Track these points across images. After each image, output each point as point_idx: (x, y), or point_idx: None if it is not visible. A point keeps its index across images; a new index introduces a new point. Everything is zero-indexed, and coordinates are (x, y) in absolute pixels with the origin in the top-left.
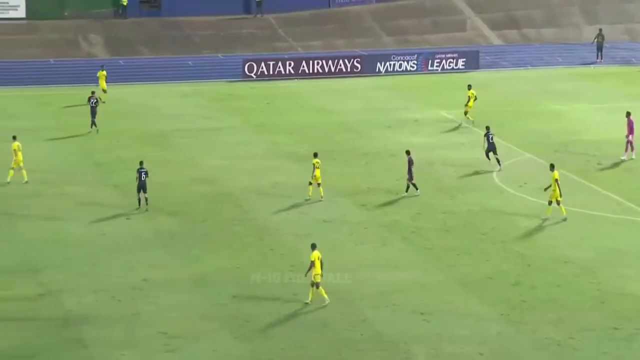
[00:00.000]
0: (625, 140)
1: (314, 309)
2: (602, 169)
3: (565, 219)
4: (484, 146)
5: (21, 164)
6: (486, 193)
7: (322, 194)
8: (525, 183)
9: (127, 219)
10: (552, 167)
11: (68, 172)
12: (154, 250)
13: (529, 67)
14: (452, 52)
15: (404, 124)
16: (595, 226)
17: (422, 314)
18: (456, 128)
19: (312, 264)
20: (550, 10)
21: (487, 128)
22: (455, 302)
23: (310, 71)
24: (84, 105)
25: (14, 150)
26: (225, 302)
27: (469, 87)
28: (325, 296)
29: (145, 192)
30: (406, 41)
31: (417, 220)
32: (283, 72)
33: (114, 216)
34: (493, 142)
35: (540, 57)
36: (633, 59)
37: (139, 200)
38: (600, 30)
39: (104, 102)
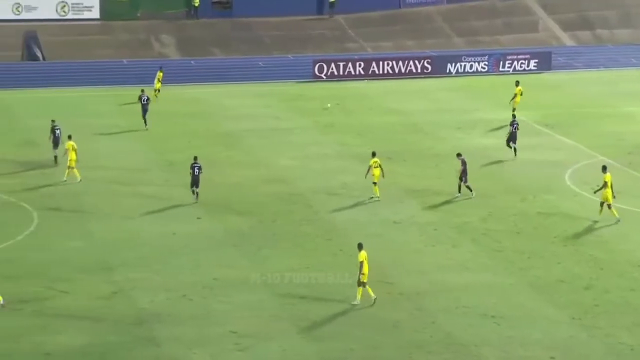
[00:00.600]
0: None
1: (385, 310)
2: None
3: (618, 221)
4: (507, 135)
5: (73, 164)
6: (558, 195)
7: (377, 194)
8: (598, 185)
9: (198, 218)
10: (604, 169)
11: (141, 171)
12: (225, 249)
13: (602, 69)
14: (524, 53)
15: (474, 125)
16: None
17: (492, 316)
18: (527, 129)
19: (362, 264)
20: (624, 10)
21: (514, 117)
22: (527, 305)
23: (380, 72)
24: (157, 103)
25: (68, 149)
26: (295, 302)
27: (517, 83)
28: (373, 294)
29: (197, 187)
30: (477, 42)
31: (488, 222)
32: (353, 73)
33: (185, 215)
34: (515, 132)
35: (613, 59)
36: None
37: (194, 193)
38: None
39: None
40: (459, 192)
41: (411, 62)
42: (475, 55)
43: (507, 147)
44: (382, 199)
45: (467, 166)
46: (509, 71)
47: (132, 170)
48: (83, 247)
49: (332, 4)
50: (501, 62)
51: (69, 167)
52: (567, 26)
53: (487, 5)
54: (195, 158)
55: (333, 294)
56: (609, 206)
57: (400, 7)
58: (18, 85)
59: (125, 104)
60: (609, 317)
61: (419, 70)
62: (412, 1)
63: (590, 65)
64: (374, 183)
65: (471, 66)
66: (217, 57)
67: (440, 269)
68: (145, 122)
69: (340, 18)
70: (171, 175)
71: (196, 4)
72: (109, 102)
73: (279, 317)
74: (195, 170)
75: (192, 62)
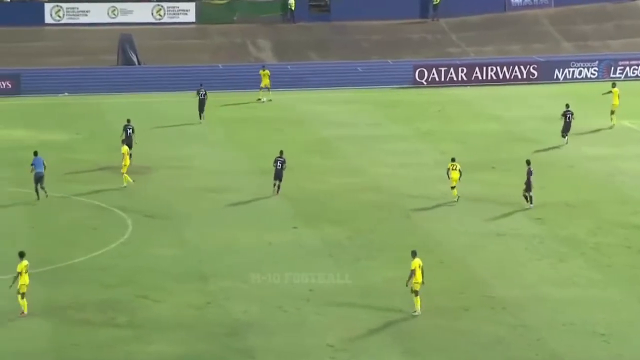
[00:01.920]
0: None
1: (488, 325)
2: None
3: None
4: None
5: (125, 170)
6: None
7: (455, 195)
8: None
9: (294, 227)
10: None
11: (234, 177)
12: (321, 259)
13: None
14: (637, 59)
15: (581, 134)
16: None
17: (602, 334)
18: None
19: (413, 272)
20: None
21: (567, 106)
22: (637, 323)
23: (483, 77)
24: (251, 109)
25: (124, 154)
26: (394, 315)
27: (613, 85)
28: (418, 307)
29: (280, 180)
30: (586, 47)
31: (597, 236)
32: (455, 79)
33: (280, 224)
34: (570, 122)
35: None
36: None
37: (275, 186)
38: None
39: (270, 101)
40: (530, 202)
41: (516, 68)
42: (585, 61)
43: (562, 138)
44: (485, 210)
45: (533, 176)
46: (620, 77)
47: (225, 177)
48: (177, 255)
49: (435, 7)
50: (612, 68)
51: (123, 172)
52: None
53: (596, 8)
54: (281, 152)
55: (434, 307)
56: None
57: (505, 10)
58: (113, 90)
59: (219, 108)
60: None
61: (525, 76)
62: (518, 4)
63: None
64: (452, 187)
65: (580, 72)
66: (314, 61)
67: (545, 283)
68: (200, 115)
69: (441, 22)
70: (264, 182)
71: (292, 7)
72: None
73: (378, 331)
74: (279, 164)
75: (288, 66)
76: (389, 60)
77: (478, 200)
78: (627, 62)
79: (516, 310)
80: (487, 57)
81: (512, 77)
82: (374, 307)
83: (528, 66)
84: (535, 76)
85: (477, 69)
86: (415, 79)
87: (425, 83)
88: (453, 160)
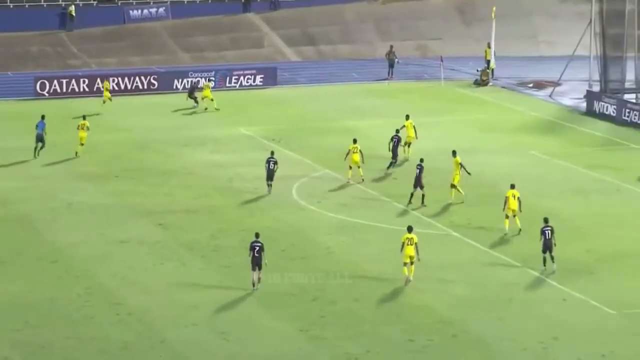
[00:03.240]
0: None
1: (114, 332)
2: (397, 183)
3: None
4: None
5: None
6: (285, 209)
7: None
8: (325, 198)
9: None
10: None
11: None
12: None
13: (326, 84)
14: (250, 69)
15: (202, 142)
16: (393, 241)
17: (222, 333)
18: (255, 144)
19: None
20: (345, 26)
21: (397, 131)
22: (255, 320)
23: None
24: None
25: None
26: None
27: (407, 117)
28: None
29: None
30: (203, 58)
31: (217, 239)
32: (77, 90)
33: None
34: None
35: (336, 74)
36: (425, 75)
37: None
38: (392, 47)
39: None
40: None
41: (137, 79)
42: (202, 71)
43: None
44: (111, 218)
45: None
46: (235, 87)
47: None
48: None
49: (72, 18)
50: (228, 78)
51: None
52: (291, 42)
53: (212, 21)
54: (272, 153)
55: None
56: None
57: (124, 22)
58: None
59: None
60: (335, 328)
61: (146, 87)
62: (137, 16)
63: (314, 80)
64: (351, 167)
65: (198, 82)
66: None
67: (169, 287)
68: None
69: (62, 34)
70: None
71: None
72: None
73: None
74: (271, 164)
75: None
76: (9, 73)
77: (102, 207)
78: (242, 72)
79: (142, 315)
80: (109, 68)
81: (133, 87)
82: None
83: (149, 77)
84: (156, 86)
85: (98, 80)
86: (37, 91)
87: (47, 95)
88: (355, 141)
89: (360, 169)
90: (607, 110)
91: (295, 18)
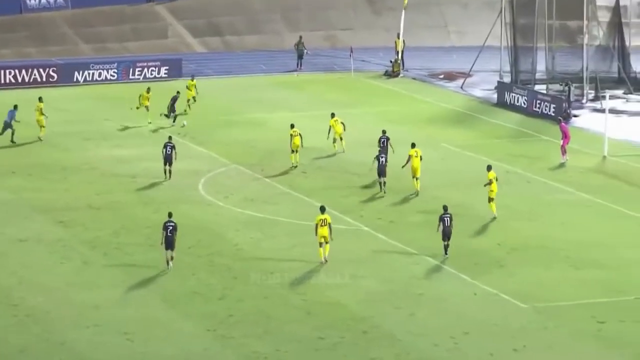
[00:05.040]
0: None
1: (11, 334)
2: (307, 177)
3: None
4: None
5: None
6: (191, 205)
7: (297, 161)
8: (232, 194)
9: None
10: (489, 167)
11: None
12: None
13: (233, 75)
14: (154, 61)
15: (105, 136)
16: (303, 236)
17: (125, 333)
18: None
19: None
20: (252, 16)
21: (384, 132)
22: (160, 320)
23: (3, 81)
24: None
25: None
26: None
27: (332, 115)
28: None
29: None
30: (105, 49)
31: (120, 236)
32: None
33: None
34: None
35: (243, 65)
36: (334, 66)
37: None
38: (300, 37)
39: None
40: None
41: (35, 71)
42: (104, 63)
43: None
44: (7, 216)
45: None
46: (139, 79)
47: None
48: None
49: None
50: (131, 70)
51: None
52: (196, 32)
53: (114, 11)
54: (170, 138)
55: None
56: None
57: (21, 12)
58: None
59: None
60: (243, 327)
61: (45, 79)
62: (34, 6)
63: (220, 72)
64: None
65: (100, 74)
66: None
67: (70, 287)
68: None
69: None
70: None
71: None
72: None
73: None
74: (168, 149)
75: None
76: None
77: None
78: (145, 64)
79: (41, 316)
80: (5, 60)
81: (31, 80)
82: None
83: (48, 69)
84: (55, 79)
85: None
86: None
87: None
88: (292, 126)
89: (298, 154)
90: (518, 102)
91: (200, 8)
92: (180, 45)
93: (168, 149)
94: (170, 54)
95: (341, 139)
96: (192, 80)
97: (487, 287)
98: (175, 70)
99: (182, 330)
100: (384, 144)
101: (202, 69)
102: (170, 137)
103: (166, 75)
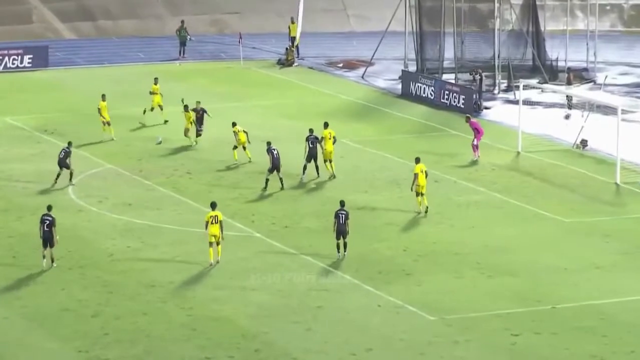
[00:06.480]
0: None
1: None
2: (192, 178)
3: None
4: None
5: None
6: (61, 211)
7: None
8: (107, 198)
9: None
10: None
11: None
12: None
13: (107, 64)
14: (16, 48)
15: None
16: (187, 244)
17: None
18: (25, 137)
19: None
20: None
21: (311, 131)
22: (26, 341)
23: None
24: None
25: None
26: None
27: (233, 124)
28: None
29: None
30: None
31: None
32: None
33: None
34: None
35: (119, 53)
36: (222, 54)
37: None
38: (183, 22)
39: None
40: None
41: None
42: None
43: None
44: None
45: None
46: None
47: None
48: None
49: None
50: None
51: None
52: (65, 17)
53: None
54: (70, 143)
55: None
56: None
57: None
58: None
59: None
60: (119, 347)
61: None
62: None
63: (93, 60)
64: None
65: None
66: None
67: None
68: None
69: None
70: None
71: None
72: None
73: None
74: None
75: None
76: None
77: None
78: (6, 52)
79: None
80: None
81: None
82: None
83: None
84: None
85: None
86: None
87: None
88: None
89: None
90: (424, 93)
91: None
92: (47, 31)
93: (62, 153)
94: (35, 41)
95: (244, 148)
96: (156, 85)
97: (392, 298)
98: (41, 59)
99: (50, 352)
100: (313, 143)
101: (71, 57)
102: (70, 143)
103: (30, 65)
